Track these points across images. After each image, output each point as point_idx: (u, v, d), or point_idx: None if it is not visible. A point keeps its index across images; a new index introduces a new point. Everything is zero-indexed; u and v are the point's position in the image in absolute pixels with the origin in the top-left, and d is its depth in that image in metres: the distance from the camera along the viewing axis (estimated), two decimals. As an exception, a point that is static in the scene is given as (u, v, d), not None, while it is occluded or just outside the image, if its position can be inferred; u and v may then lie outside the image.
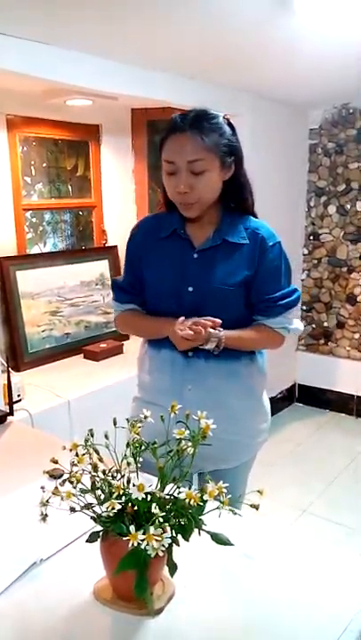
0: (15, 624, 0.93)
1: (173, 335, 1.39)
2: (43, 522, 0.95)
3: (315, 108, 3.67)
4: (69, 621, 0.93)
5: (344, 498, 2.89)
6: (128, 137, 3.12)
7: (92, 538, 0.95)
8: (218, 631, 0.91)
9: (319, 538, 2.56)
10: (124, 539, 0.84)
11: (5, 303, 2.60)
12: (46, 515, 0.94)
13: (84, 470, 0.93)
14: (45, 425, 2.10)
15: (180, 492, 0.90)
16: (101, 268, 3.03)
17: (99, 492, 0.92)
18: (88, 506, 0.92)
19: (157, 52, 2.20)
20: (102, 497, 0.91)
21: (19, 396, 2.19)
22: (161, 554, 0.84)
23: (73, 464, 0.93)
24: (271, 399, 4.00)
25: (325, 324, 3.95)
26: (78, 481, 0.91)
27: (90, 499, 0.92)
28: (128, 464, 0.93)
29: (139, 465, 0.94)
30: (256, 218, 1.51)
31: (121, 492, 0.89)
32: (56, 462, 0.97)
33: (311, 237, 3.90)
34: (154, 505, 0.86)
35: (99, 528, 0.93)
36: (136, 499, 0.86)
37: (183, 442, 0.93)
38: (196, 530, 0.90)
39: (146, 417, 1.00)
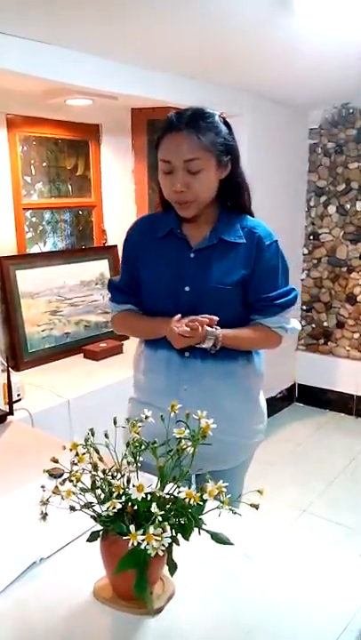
0: (15, 623, 0.93)
1: (170, 333, 1.38)
2: (43, 521, 0.95)
3: (315, 107, 3.67)
4: (69, 621, 0.93)
5: (344, 498, 2.89)
6: (128, 137, 3.12)
7: (92, 537, 0.95)
8: (218, 631, 0.91)
9: (319, 538, 2.56)
10: (124, 538, 0.84)
11: (5, 303, 2.60)
12: (46, 514, 0.94)
13: (84, 470, 0.93)
14: (45, 424, 2.10)
15: (179, 492, 0.90)
16: (101, 267, 3.03)
17: (99, 491, 0.92)
18: (88, 505, 0.92)
19: (157, 52, 2.20)
20: (102, 496, 0.91)
21: (18, 395, 2.19)
22: (161, 553, 0.84)
23: (73, 463, 0.93)
24: (271, 399, 4.00)
25: (325, 323, 3.95)
26: (78, 480, 0.91)
27: (90, 498, 0.92)
28: (128, 463, 0.93)
29: (139, 465, 0.94)
30: (253, 217, 1.51)
31: (121, 491, 0.89)
32: (56, 461, 0.97)
33: (311, 237, 3.90)
34: (154, 504, 0.86)
35: (99, 527, 0.93)
36: (136, 498, 0.86)
37: (183, 441, 0.93)
38: (195, 529, 0.90)
39: (147, 417, 1.00)
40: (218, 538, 0.95)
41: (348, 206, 3.70)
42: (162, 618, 0.93)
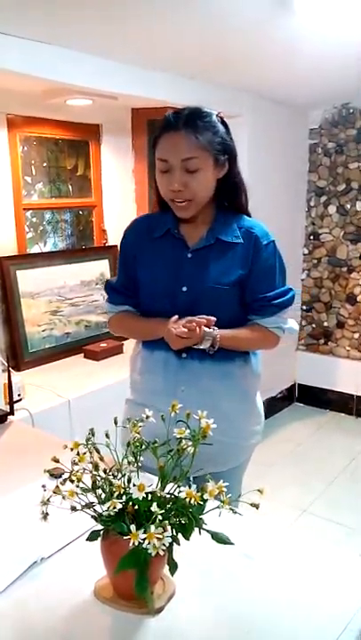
0: (16, 623, 0.93)
1: (167, 334, 1.37)
2: (43, 521, 0.95)
3: (315, 107, 3.67)
4: (70, 620, 0.93)
5: (344, 498, 2.90)
6: (128, 137, 3.12)
7: (93, 537, 0.95)
8: (218, 630, 0.92)
9: (319, 538, 2.56)
10: (125, 538, 0.84)
11: (6, 303, 2.60)
12: (47, 514, 0.95)
13: (84, 469, 0.93)
14: (46, 424, 2.10)
15: (180, 492, 0.90)
16: (101, 267, 3.04)
17: (99, 491, 0.92)
18: (89, 505, 0.92)
19: (157, 52, 2.20)
20: (103, 496, 0.92)
21: (19, 395, 2.19)
22: (161, 553, 0.84)
23: (74, 463, 0.93)
24: (271, 399, 4.00)
25: (325, 323, 3.95)
26: (79, 480, 0.91)
27: (91, 498, 0.92)
28: (129, 463, 0.93)
29: (140, 465, 0.94)
30: (250, 217, 1.50)
31: (122, 491, 0.89)
32: (57, 461, 0.97)
33: (311, 237, 3.90)
34: (154, 504, 0.86)
35: (99, 527, 0.93)
36: (137, 498, 0.86)
37: (183, 441, 0.93)
38: (196, 529, 0.91)
39: (148, 417, 1.00)
40: (218, 537, 0.95)
41: (349, 206, 3.70)
42: (162, 617, 0.94)
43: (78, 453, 0.93)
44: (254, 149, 3.16)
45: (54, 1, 1.61)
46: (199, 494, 0.88)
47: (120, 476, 0.92)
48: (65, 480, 0.93)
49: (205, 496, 0.89)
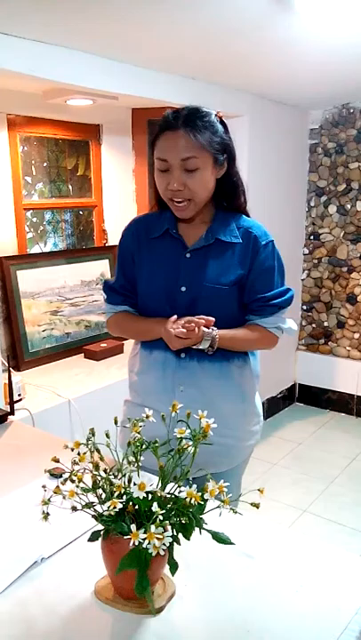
0: (16, 623, 0.93)
1: (166, 334, 1.37)
2: (44, 521, 0.95)
3: (315, 107, 3.67)
4: (70, 620, 0.94)
5: (344, 498, 2.90)
6: (128, 137, 3.13)
7: (94, 537, 0.95)
8: (218, 630, 0.92)
9: (319, 538, 2.56)
10: (126, 537, 0.85)
11: (6, 303, 2.61)
12: (48, 513, 0.95)
13: (85, 469, 0.93)
14: (46, 424, 2.10)
15: (180, 492, 0.90)
16: (102, 267, 3.04)
17: (100, 490, 0.92)
18: (89, 505, 0.92)
19: (158, 52, 2.21)
20: (103, 496, 0.92)
21: (19, 395, 2.19)
22: (162, 553, 0.84)
23: (74, 463, 0.93)
24: (271, 399, 4.00)
25: (326, 323, 3.95)
26: (80, 480, 0.91)
27: (91, 497, 0.92)
28: (129, 463, 0.93)
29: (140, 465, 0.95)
30: (248, 217, 1.50)
31: (122, 490, 0.89)
32: (57, 461, 0.97)
33: (311, 237, 3.90)
34: (155, 504, 0.86)
35: (100, 527, 0.93)
36: (137, 498, 0.86)
37: (184, 441, 0.93)
38: (196, 529, 0.91)
39: (148, 416, 1.00)
40: (219, 537, 0.95)
41: (349, 206, 3.71)
42: (163, 617, 0.94)
43: (79, 453, 0.93)
44: (255, 149, 3.17)
45: (55, 1, 1.61)
46: (200, 494, 0.88)
47: (120, 475, 0.92)
48: (65, 480, 0.93)
49: (206, 496, 0.89)
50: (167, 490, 0.91)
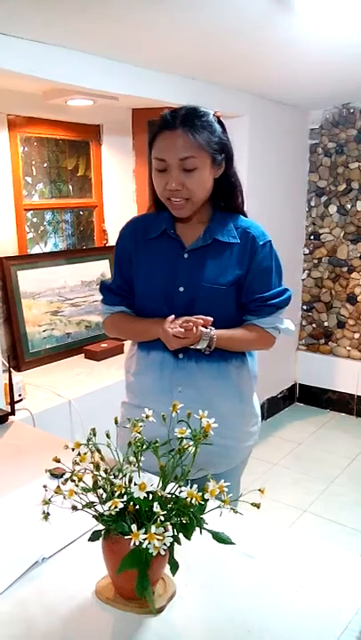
0: (17, 623, 0.93)
1: (164, 334, 1.36)
2: (45, 521, 0.95)
3: (315, 107, 3.67)
4: (71, 620, 0.94)
5: (344, 498, 2.90)
6: (129, 137, 3.13)
7: (94, 537, 0.95)
8: (219, 630, 0.92)
9: (319, 538, 2.56)
10: (126, 537, 0.85)
11: (6, 303, 2.61)
12: (48, 513, 0.95)
13: (85, 469, 0.93)
14: (47, 424, 2.10)
15: (181, 492, 0.90)
16: (102, 267, 3.04)
17: (100, 490, 0.92)
18: (90, 504, 0.92)
19: (158, 53, 2.21)
20: (104, 496, 0.92)
21: (20, 395, 2.19)
22: (162, 552, 0.84)
23: (75, 463, 0.93)
24: (272, 399, 4.00)
25: (326, 323, 3.95)
26: (80, 480, 0.92)
27: (92, 497, 0.93)
28: (129, 463, 0.93)
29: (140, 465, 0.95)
30: (246, 217, 1.49)
31: (123, 490, 0.89)
32: (58, 461, 0.97)
33: (312, 237, 3.90)
34: (155, 504, 0.86)
35: (100, 527, 0.93)
36: (138, 497, 0.86)
37: (185, 441, 0.94)
38: (197, 529, 0.91)
39: (148, 416, 1.00)
40: (219, 537, 0.95)
41: (349, 206, 3.71)
42: (163, 617, 0.94)
43: (79, 453, 0.93)
44: (255, 149, 3.17)
45: (54, 1, 1.61)
46: (200, 494, 0.88)
47: (121, 475, 0.92)
48: (66, 480, 0.93)
49: (206, 496, 0.89)
50: (167, 490, 0.91)
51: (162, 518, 0.84)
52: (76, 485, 0.91)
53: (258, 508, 0.94)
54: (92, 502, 0.92)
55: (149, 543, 0.83)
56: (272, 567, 1.07)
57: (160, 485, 0.91)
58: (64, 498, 0.91)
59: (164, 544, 0.84)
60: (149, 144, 1.40)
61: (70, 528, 1.13)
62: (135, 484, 0.87)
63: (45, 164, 2.86)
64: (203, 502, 0.89)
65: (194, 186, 1.36)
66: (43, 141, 2.83)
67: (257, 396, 1.59)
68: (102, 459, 0.95)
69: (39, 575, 1.04)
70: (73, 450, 0.94)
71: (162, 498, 0.88)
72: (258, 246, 1.43)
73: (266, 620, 0.94)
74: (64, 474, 0.95)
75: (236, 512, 0.95)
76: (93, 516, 0.93)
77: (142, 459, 0.95)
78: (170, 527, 0.85)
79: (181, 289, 1.42)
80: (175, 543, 0.89)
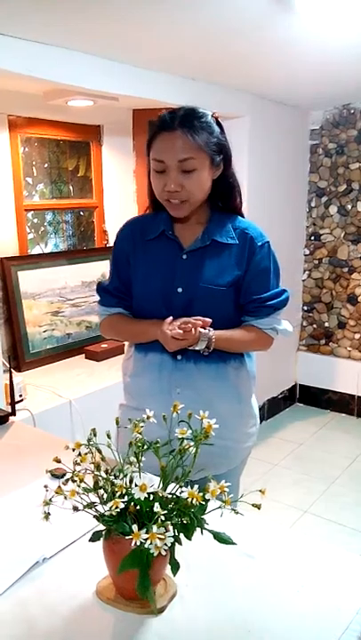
0: (17, 623, 0.93)
1: (162, 336, 1.35)
2: (45, 521, 0.95)
3: (316, 108, 3.67)
4: (72, 620, 0.94)
5: (345, 498, 2.90)
6: (129, 137, 3.13)
7: (95, 537, 0.95)
8: (220, 630, 0.92)
9: (320, 538, 2.56)
10: (127, 538, 0.85)
11: (7, 303, 2.61)
12: (49, 514, 0.95)
13: (86, 470, 0.93)
14: (47, 425, 2.10)
15: (182, 492, 0.90)
16: (103, 268, 3.04)
17: (101, 491, 0.92)
18: (91, 505, 0.92)
19: (158, 53, 2.21)
20: (105, 496, 0.92)
21: (20, 396, 2.19)
22: (163, 553, 0.84)
23: (75, 463, 0.93)
24: (272, 399, 4.00)
25: (326, 324, 3.95)
26: (81, 480, 0.92)
27: (93, 498, 0.92)
28: (130, 464, 0.93)
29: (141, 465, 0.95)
30: (243, 218, 1.49)
31: (123, 491, 0.89)
32: (59, 461, 0.97)
33: (312, 238, 3.90)
34: (156, 504, 0.86)
35: (101, 527, 0.93)
36: (139, 498, 0.86)
37: (185, 441, 0.93)
38: (198, 529, 0.91)
39: (148, 417, 1.00)
40: (220, 537, 0.95)
41: (350, 207, 3.71)
42: (164, 617, 0.94)
43: (80, 454, 0.93)
44: (255, 150, 3.17)
45: (54, 1, 1.61)
46: (201, 494, 0.88)
47: (122, 476, 0.92)
48: (67, 480, 0.93)
49: (207, 496, 0.89)
50: (168, 490, 0.91)
51: (162, 518, 0.84)
52: (78, 486, 0.91)
53: (258, 508, 0.94)
54: (93, 503, 0.92)
55: (150, 543, 0.83)
56: (273, 567, 1.07)
57: (161, 486, 0.91)
58: (65, 498, 0.91)
59: (165, 544, 0.83)
60: (147, 145, 1.39)
61: (71, 528, 1.13)
62: (136, 485, 0.87)
63: (46, 165, 2.86)
64: (203, 503, 0.89)
65: (193, 187, 1.35)
66: (43, 142, 2.83)
67: (255, 398, 1.58)
68: (103, 459, 0.95)
69: (40, 575, 1.04)
70: (73, 450, 0.94)
71: (163, 498, 0.88)
72: (256, 247, 1.43)
73: (266, 621, 0.93)
74: (65, 474, 0.95)
75: (237, 513, 0.95)
76: (94, 517, 0.92)
77: (143, 459, 0.95)
78: (170, 527, 0.85)
79: (180, 290, 1.42)
80: (176, 543, 0.89)
